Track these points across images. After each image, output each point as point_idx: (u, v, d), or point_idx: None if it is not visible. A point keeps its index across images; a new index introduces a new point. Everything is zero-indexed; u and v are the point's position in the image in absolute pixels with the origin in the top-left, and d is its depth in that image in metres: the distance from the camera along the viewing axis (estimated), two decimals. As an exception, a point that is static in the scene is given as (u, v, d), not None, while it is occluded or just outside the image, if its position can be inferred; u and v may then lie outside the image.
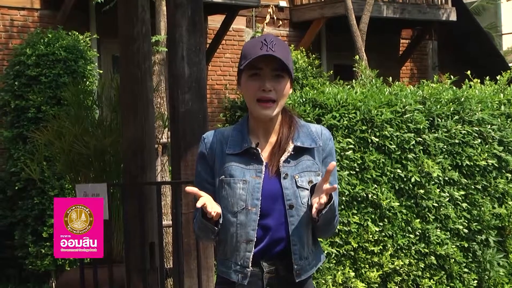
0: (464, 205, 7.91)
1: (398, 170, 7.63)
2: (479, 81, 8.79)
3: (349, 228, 7.46)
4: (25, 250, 9.52)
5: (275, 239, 3.04)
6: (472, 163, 7.95)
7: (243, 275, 3.06)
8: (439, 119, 7.89)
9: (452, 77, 8.47)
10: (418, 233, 7.72)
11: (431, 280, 7.75)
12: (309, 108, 7.41)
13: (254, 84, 3.04)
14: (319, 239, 3.19)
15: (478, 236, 7.96)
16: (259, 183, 3.03)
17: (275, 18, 14.18)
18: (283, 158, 3.07)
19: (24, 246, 9.53)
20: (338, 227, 7.33)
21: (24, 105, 9.58)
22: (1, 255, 9.91)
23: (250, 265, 3.04)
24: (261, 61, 3.02)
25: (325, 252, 7.31)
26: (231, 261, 3.08)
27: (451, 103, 8.00)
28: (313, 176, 3.06)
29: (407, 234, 7.67)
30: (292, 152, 3.07)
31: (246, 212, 3.02)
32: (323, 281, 7.33)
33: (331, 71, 13.21)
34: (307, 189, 3.05)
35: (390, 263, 7.59)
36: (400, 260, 7.62)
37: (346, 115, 7.50)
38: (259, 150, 3.07)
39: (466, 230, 7.90)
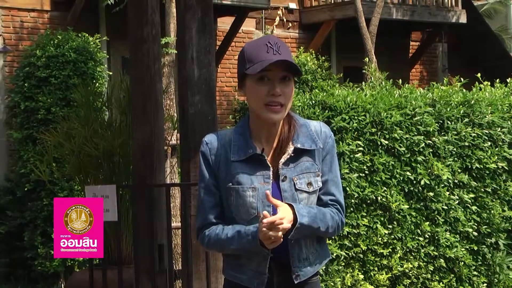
0: (474, 208, 7.88)
1: (408, 173, 7.62)
2: (489, 83, 8.75)
3: (358, 231, 7.45)
4: (34, 251, 9.53)
5: (282, 243, 2.98)
6: (481, 166, 7.92)
7: (260, 281, 3.02)
8: (449, 122, 7.87)
9: (462, 79, 8.44)
10: (427, 236, 7.70)
11: (440, 283, 7.72)
12: (318, 111, 7.40)
13: (263, 88, 2.97)
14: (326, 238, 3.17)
15: (488, 239, 7.94)
16: (269, 189, 2.98)
17: (285, 20, 14.17)
18: (282, 160, 3.02)
19: (34, 247, 9.54)
20: (346, 229, 7.34)
21: (34, 107, 9.60)
22: (11, 256, 9.93)
23: (267, 271, 3.01)
24: (270, 65, 2.95)
25: (334, 254, 7.29)
26: (245, 266, 3.04)
27: (461, 106, 7.98)
28: (312, 177, 3.03)
29: (416, 237, 7.65)
30: (292, 154, 3.03)
31: (258, 219, 2.95)
32: (332, 284, 7.32)
33: (341, 73, 13.20)
34: (306, 192, 3.02)
35: (399, 266, 7.58)
36: (409, 263, 7.60)
37: (356, 117, 7.49)
38: (265, 156, 3.03)
39: (475, 233, 7.87)
